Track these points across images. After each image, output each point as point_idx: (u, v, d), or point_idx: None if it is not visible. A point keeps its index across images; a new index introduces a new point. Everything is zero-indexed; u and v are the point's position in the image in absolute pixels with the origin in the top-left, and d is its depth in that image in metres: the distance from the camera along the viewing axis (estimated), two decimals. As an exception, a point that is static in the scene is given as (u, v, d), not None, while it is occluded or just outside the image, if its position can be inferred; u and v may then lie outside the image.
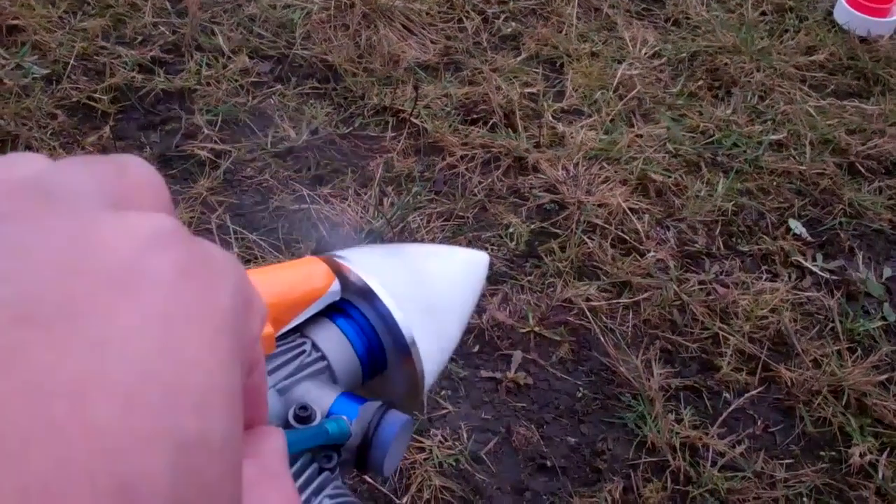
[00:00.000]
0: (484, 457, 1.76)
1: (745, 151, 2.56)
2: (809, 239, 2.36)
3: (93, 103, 2.34)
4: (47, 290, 0.20)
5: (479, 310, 2.01)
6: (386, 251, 0.80)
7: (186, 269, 0.22)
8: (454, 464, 1.74)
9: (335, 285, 0.71)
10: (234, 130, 2.36)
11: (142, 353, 0.20)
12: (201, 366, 0.21)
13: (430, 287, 0.77)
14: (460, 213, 2.23)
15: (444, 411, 1.83)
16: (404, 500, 1.66)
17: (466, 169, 2.35)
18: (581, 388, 1.92)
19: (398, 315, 0.71)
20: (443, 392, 1.86)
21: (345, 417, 0.63)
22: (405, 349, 0.71)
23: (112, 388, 0.19)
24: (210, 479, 0.20)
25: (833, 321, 2.14)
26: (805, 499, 1.78)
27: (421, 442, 1.76)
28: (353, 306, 0.72)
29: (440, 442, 1.77)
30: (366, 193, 2.24)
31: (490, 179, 2.34)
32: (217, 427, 0.21)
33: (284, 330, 0.68)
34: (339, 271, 0.71)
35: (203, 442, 0.20)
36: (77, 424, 0.18)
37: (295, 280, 0.69)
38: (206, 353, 0.21)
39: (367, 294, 0.71)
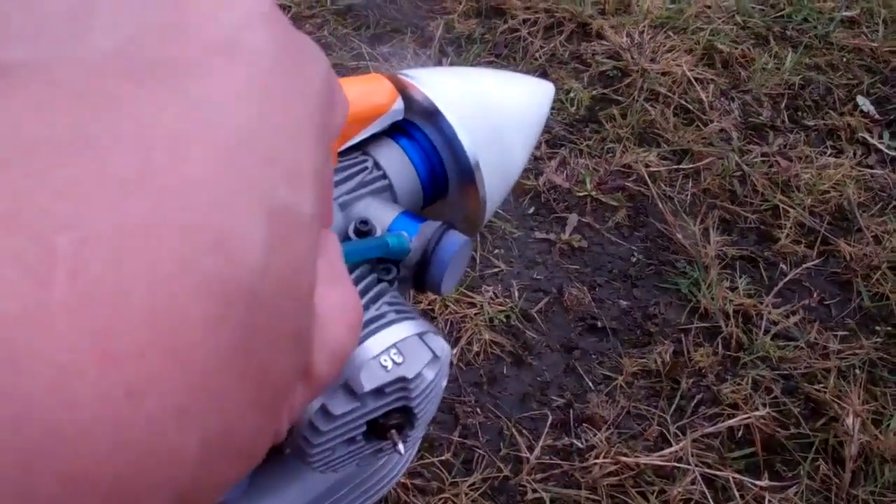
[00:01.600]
0: (534, 314, 1.77)
1: (815, 27, 2.48)
2: (877, 116, 2.29)
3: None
4: (149, 48, 0.20)
5: (536, 172, 1.99)
6: (453, 73, 0.77)
7: (284, 47, 0.22)
8: (504, 320, 1.75)
9: (398, 103, 0.69)
10: (293, -13, 2.33)
11: (241, 117, 0.20)
12: (295, 141, 0.21)
13: (497, 112, 0.74)
14: (520, 77, 2.19)
15: (496, 269, 1.83)
16: (454, 351, 1.67)
17: (528, 33, 2.30)
18: (635, 253, 1.90)
19: (463, 136, 0.69)
20: (495, 251, 1.86)
21: (405, 234, 0.62)
22: (469, 173, 0.70)
23: (211, 146, 0.19)
24: (298, 252, 0.20)
25: (897, 199, 2.09)
26: (857, 370, 1.76)
27: (472, 297, 1.76)
28: (416, 128, 0.70)
29: (491, 298, 1.77)
30: (425, 53, 2.21)
31: (552, 44, 2.29)
32: (306, 202, 0.21)
33: (346, 146, 0.67)
34: (403, 90, 0.69)
35: (294, 213, 0.20)
36: (175, 175, 0.18)
37: (358, 94, 0.67)
38: (300, 130, 0.21)
39: (432, 114, 0.69)
